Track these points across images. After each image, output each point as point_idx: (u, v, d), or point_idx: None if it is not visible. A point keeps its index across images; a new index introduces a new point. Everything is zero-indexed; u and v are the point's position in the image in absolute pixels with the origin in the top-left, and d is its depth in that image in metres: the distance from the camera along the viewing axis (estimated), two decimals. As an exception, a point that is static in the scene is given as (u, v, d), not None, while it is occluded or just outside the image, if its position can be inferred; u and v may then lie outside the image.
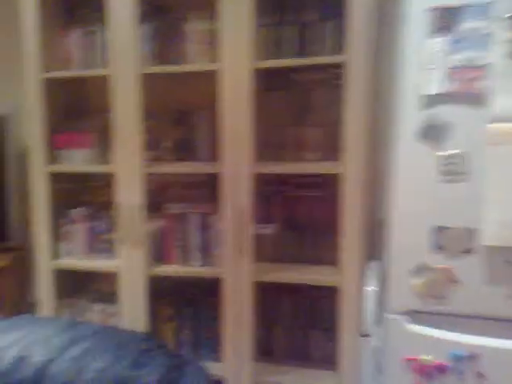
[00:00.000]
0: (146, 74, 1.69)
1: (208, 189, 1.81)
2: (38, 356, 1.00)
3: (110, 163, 1.80)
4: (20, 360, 1.01)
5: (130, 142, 1.71)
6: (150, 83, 1.74)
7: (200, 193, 1.82)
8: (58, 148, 1.87)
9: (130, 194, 1.73)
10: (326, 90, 1.68)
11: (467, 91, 1.31)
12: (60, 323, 1.14)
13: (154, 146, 1.84)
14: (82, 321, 1.15)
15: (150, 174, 1.77)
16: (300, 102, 1.71)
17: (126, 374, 1.00)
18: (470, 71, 1.29)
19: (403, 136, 1.39)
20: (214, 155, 1.78)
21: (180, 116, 1.82)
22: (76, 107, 2.02)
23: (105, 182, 1.95)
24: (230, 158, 1.61)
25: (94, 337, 1.07)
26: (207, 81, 1.69)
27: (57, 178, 1.90)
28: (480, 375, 1.38)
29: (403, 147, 1.40)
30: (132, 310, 1.78)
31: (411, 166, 1.40)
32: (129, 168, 1.72)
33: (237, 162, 1.60)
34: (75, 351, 1.02)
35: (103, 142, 1.85)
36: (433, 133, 1.36)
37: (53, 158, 1.87)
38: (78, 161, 1.86)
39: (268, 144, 1.75)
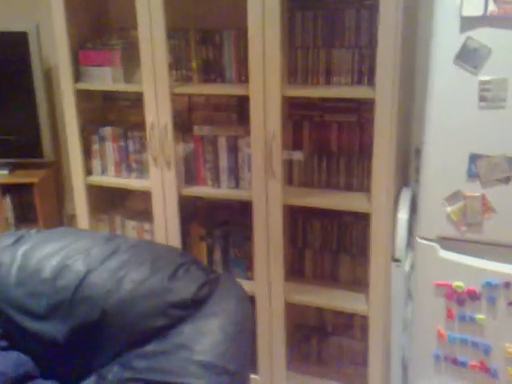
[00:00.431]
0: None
1: (237, 111, 1.89)
2: (79, 265, 1.17)
3: (138, 82, 1.90)
4: (62, 268, 1.18)
5: (155, 60, 1.78)
6: (175, 1, 1.78)
7: (229, 115, 1.90)
8: (85, 65, 1.97)
9: (158, 115, 1.83)
10: (358, 9, 1.68)
11: (508, 14, 1.31)
12: (98, 236, 1.31)
13: (180, 65, 1.91)
14: (119, 235, 1.30)
15: (178, 95, 1.87)
16: (331, 22, 1.72)
17: (163, 285, 1.16)
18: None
19: (441, 59, 1.42)
20: (242, 77, 1.84)
21: (206, 35, 1.87)
22: (99, 24, 2.09)
23: (133, 102, 2.05)
24: (258, 80, 1.67)
25: (131, 250, 1.24)
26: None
27: (85, 96, 2.02)
28: (511, 303, 1.50)
29: (440, 72, 1.43)
30: (165, 229, 1.95)
31: (449, 91, 1.44)
32: (156, 88, 1.81)
33: (265, 85, 1.66)
34: (114, 262, 1.19)
35: (129, 60, 1.94)
36: (472, 57, 1.38)
37: (80, 76, 1.98)
38: (105, 79, 1.96)
39: (297, 67, 1.79)
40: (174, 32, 1.84)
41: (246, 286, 1.54)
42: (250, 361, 1.45)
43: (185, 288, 1.19)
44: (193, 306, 1.17)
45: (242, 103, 1.82)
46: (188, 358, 1.12)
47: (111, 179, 2.06)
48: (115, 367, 1.11)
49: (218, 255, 2.02)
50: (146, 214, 2.06)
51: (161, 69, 1.79)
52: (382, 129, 1.59)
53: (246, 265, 1.97)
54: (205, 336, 1.15)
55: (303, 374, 2.01)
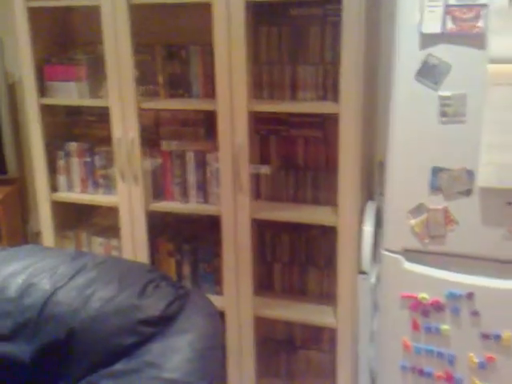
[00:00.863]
0: (136, 5, 1.74)
1: (205, 126, 1.90)
2: (45, 283, 1.15)
3: (104, 97, 1.90)
4: (28, 287, 1.16)
5: (122, 75, 1.79)
6: (141, 15, 1.79)
7: (197, 130, 1.92)
8: (50, 80, 1.95)
9: (125, 129, 1.83)
10: (322, 26, 1.72)
11: (466, 31, 1.37)
12: (65, 253, 1.29)
13: (146, 80, 1.92)
14: (86, 252, 1.29)
15: (145, 110, 1.86)
16: (296, 39, 1.76)
17: (132, 302, 1.15)
18: (469, 11, 1.35)
19: (402, 76, 1.47)
20: (209, 92, 1.86)
21: (172, 51, 1.88)
22: (65, 38, 2.08)
23: (99, 116, 2.04)
24: (225, 95, 1.69)
25: (98, 267, 1.22)
26: (200, 14, 1.73)
27: (49, 111, 2.00)
28: (475, 313, 1.53)
29: (402, 87, 1.48)
30: (133, 245, 1.94)
31: (410, 107, 1.48)
32: (122, 102, 1.81)
33: (232, 100, 1.68)
34: (81, 280, 1.18)
35: (95, 74, 1.93)
36: (432, 73, 1.43)
37: (45, 90, 1.96)
38: (71, 94, 1.95)
39: (263, 82, 1.82)
40: (140, 47, 1.84)
41: (216, 301, 1.54)
42: (220, 377, 1.45)
43: (154, 305, 1.18)
44: (162, 323, 1.16)
45: (210, 118, 1.83)
46: (157, 376, 1.11)
47: (77, 195, 2.04)
48: (83, 387, 1.09)
49: (187, 270, 2.01)
50: (113, 230, 2.04)
51: (127, 84, 1.79)
52: (347, 143, 1.62)
53: (215, 280, 1.97)
54: (174, 353, 1.14)
55: (273, 388, 2.01)
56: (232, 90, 1.68)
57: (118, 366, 1.12)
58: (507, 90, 1.36)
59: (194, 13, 1.86)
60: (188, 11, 1.88)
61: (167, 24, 1.94)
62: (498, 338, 1.51)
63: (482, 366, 1.55)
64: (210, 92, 1.84)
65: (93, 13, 1.79)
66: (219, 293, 1.94)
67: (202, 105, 1.85)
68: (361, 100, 1.59)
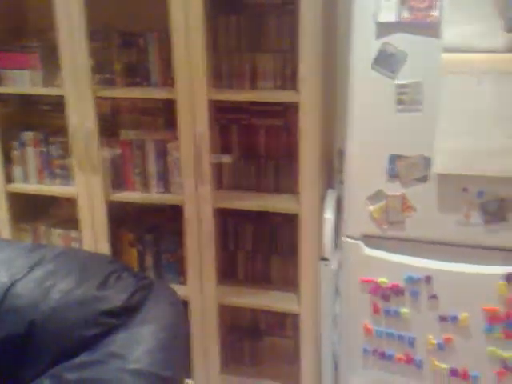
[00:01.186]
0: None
1: (164, 115, 1.90)
2: (2, 276, 1.14)
3: (58, 86, 1.86)
4: (-15, 281, 1.15)
5: (77, 63, 1.76)
6: (96, 1, 1.75)
7: (156, 119, 1.91)
8: (2, 68, 1.91)
9: (81, 119, 1.81)
10: (280, 15, 1.74)
11: (421, 20, 1.40)
12: (22, 246, 1.27)
13: (102, 68, 1.88)
14: (44, 244, 1.27)
15: (102, 98, 1.84)
16: (254, 27, 1.77)
17: (93, 294, 1.15)
18: (423, 0, 1.39)
19: (359, 65, 1.49)
20: (167, 80, 1.84)
21: (129, 38, 1.86)
22: (17, 26, 2.02)
23: (54, 105, 2.00)
24: (184, 83, 1.68)
25: (57, 259, 1.21)
26: (157, 0, 1.70)
27: (3, 100, 1.97)
28: (433, 296, 1.58)
29: (359, 76, 1.50)
30: (93, 236, 1.92)
31: (368, 95, 1.51)
32: (78, 91, 1.78)
33: (192, 88, 1.68)
34: (40, 272, 1.17)
35: (49, 62, 1.89)
36: (388, 62, 1.46)
37: (-3, 78, 1.91)
38: (24, 82, 1.91)
39: (223, 71, 1.82)
40: (95, 34, 1.81)
41: (179, 290, 1.55)
42: (184, 366, 1.46)
43: (116, 296, 1.18)
44: (125, 314, 1.17)
45: (169, 107, 1.82)
46: (121, 367, 1.11)
47: (34, 186, 2.00)
48: (46, 381, 1.09)
49: (149, 261, 2.00)
50: (72, 222, 2.01)
51: (82, 72, 1.76)
52: (307, 131, 1.65)
53: (179, 269, 1.97)
54: (138, 344, 1.15)
55: (238, 376, 2.03)
56: (191, 79, 1.67)
57: (82, 358, 1.12)
58: (461, 79, 1.41)
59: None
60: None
61: (123, 11, 1.91)
62: (455, 319, 1.57)
63: (440, 347, 1.61)
64: (169, 80, 1.83)
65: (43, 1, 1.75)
66: (183, 282, 1.95)
67: (161, 93, 1.83)
68: (320, 89, 1.61)
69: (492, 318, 1.54)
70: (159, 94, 1.84)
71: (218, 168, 1.90)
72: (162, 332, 1.21)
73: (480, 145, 1.43)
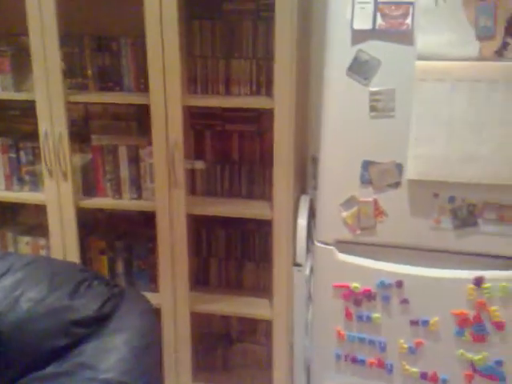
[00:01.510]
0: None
1: (137, 120, 1.86)
2: (-32, 287, 1.08)
3: (29, 90, 1.79)
4: (-51, 291, 1.08)
5: (48, 68, 1.70)
6: (68, 5, 1.71)
7: (129, 124, 1.86)
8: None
9: (52, 124, 1.74)
10: (255, 21, 1.72)
11: (395, 28, 1.40)
12: (-11, 254, 1.21)
13: (75, 73, 1.84)
14: (11, 252, 1.21)
15: (73, 103, 1.78)
16: (228, 33, 1.75)
17: (64, 303, 1.10)
18: (397, 8, 1.38)
19: (334, 71, 1.48)
20: (141, 85, 1.81)
21: (102, 42, 1.81)
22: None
23: (24, 110, 1.94)
24: (158, 89, 1.64)
25: (26, 267, 1.16)
26: (131, 4, 1.67)
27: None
28: (404, 301, 1.57)
29: (334, 82, 1.49)
30: (63, 244, 1.85)
31: (342, 102, 1.50)
32: (49, 96, 1.72)
33: (166, 94, 1.64)
34: (8, 282, 1.11)
35: (20, 67, 1.83)
36: (363, 69, 1.45)
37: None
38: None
39: (197, 77, 1.79)
40: (67, 38, 1.76)
41: (151, 298, 1.51)
42: (156, 375, 1.41)
43: (87, 305, 1.13)
44: (96, 323, 1.12)
45: (142, 112, 1.78)
46: (92, 377, 1.06)
47: (1, 193, 1.91)
48: (13, 393, 1.03)
49: (120, 268, 1.94)
50: (40, 229, 1.94)
51: (54, 76, 1.70)
52: (281, 138, 1.63)
53: (150, 277, 1.92)
54: (110, 353, 1.10)
55: (209, 383, 1.99)
56: (166, 84, 1.64)
57: (51, 369, 1.07)
58: (434, 86, 1.41)
59: (124, 3, 1.80)
60: (118, 2, 1.82)
61: (96, 15, 1.86)
62: (425, 323, 1.57)
63: (411, 351, 1.60)
64: (143, 85, 1.79)
65: (17, 2, 1.69)
66: (154, 290, 1.89)
67: (135, 98, 1.79)
68: (295, 95, 1.60)
69: (461, 322, 1.54)
70: (133, 99, 1.79)
71: (192, 174, 1.87)
72: (135, 340, 1.17)
73: (452, 151, 1.44)
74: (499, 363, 1.54)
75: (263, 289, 1.91)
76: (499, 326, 1.51)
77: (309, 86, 1.91)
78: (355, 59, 1.45)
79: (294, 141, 1.63)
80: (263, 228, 1.85)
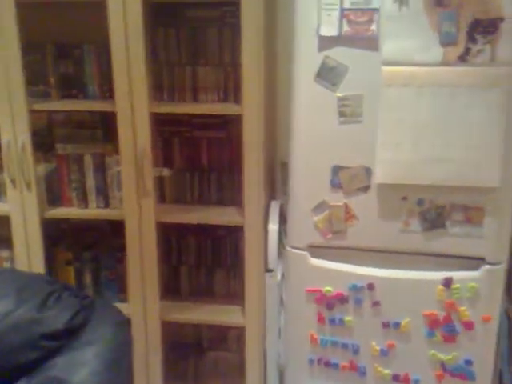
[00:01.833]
0: (23, 3, 1.63)
1: (102, 128, 1.84)
2: None
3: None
4: None
5: (9, 76, 1.67)
6: (29, 13, 1.68)
7: (94, 132, 1.84)
8: None
9: (14, 133, 1.71)
10: (220, 28, 1.73)
11: (361, 34, 1.44)
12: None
13: (37, 81, 1.80)
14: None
15: (36, 112, 1.76)
16: (195, 40, 1.75)
17: (32, 316, 1.08)
18: (363, 14, 1.42)
19: (302, 77, 1.51)
20: (105, 93, 1.79)
21: (65, 49, 1.79)
22: None
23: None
24: (124, 96, 1.64)
25: (-8, 281, 1.13)
26: (94, 11, 1.66)
27: None
28: (376, 303, 1.61)
29: (302, 89, 1.52)
30: (27, 255, 1.81)
31: (310, 108, 1.53)
32: (11, 104, 1.69)
33: (132, 101, 1.64)
34: (-26, 296, 1.08)
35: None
36: (330, 75, 1.48)
37: None
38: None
39: (164, 84, 1.79)
40: (29, 46, 1.73)
41: (121, 308, 1.49)
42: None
43: (57, 317, 1.11)
44: (67, 336, 1.10)
45: (107, 120, 1.77)
46: (64, 391, 1.04)
47: (-39, 205, 1.87)
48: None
49: (88, 279, 1.92)
50: (4, 241, 1.90)
51: (16, 84, 1.67)
52: (251, 143, 1.64)
53: (119, 287, 1.90)
54: (81, 366, 1.09)
55: (182, 393, 1.98)
56: (132, 91, 1.63)
57: (21, 384, 1.05)
58: (399, 91, 1.45)
59: (87, 10, 1.77)
60: (81, 9, 1.79)
61: (58, 22, 1.84)
62: (397, 325, 1.60)
63: (383, 353, 1.64)
64: (108, 93, 1.78)
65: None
66: (123, 300, 1.88)
67: (100, 106, 1.77)
68: (263, 101, 1.61)
69: (431, 323, 1.58)
70: (98, 106, 1.78)
71: (161, 181, 1.86)
72: (107, 353, 1.16)
73: (418, 155, 1.48)
74: (469, 362, 1.59)
75: (235, 296, 1.91)
76: (468, 326, 1.56)
77: (277, 91, 1.93)
78: (323, 65, 1.47)
79: (263, 146, 1.65)
80: (234, 234, 1.85)
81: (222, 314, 1.87)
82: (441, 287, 1.55)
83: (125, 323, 1.29)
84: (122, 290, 1.90)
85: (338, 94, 1.49)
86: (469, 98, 1.42)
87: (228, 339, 2.05)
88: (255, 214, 1.70)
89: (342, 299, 1.63)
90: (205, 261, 1.94)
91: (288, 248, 1.67)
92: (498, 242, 1.53)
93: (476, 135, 1.44)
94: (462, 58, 1.41)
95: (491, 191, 1.47)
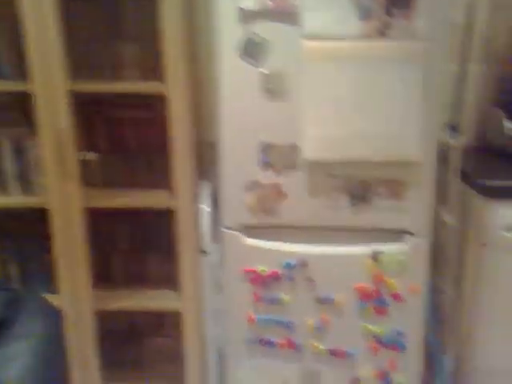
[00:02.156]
0: None
1: (17, 110, 1.83)
2: None
3: None
4: None
5: None
6: None
7: (9, 114, 1.84)
8: None
9: None
10: (139, 1, 1.75)
11: (282, 8, 1.51)
12: None
13: None
14: None
15: None
16: (111, 14, 1.77)
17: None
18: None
19: (225, 53, 1.57)
20: (19, 72, 1.77)
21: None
22: None
23: None
24: (40, 75, 1.65)
25: None
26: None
27: None
28: (309, 279, 1.73)
29: (226, 65, 1.59)
30: None
31: (236, 85, 1.60)
32: None
33: (49, 80, 1.66)
34: None
35: None
36: (253, 50, 1.55)
37: None
38: None
39: (82, 61, 1.79)
40: None
41: (51, 300, 1.53)
42: (63, 379, 1.46)
43: (-18, 312, 1.16)
44: (-7, 330, 1.16)
45: (24, 101, 1.76)
46: (-7, 386, 1.10)
47: None
48: None
49: (13, 271, 1.94)
50: None
51: None
52: (177, 123, 1.69)
53: (48, 278, 1.92)
54: (13, 361, 1.14)
55: (120, 382, 2.05)
56: (48, 70, 1.64)
57: None
58: (322, 66, 1.54)
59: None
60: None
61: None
62: (330, 300, 1.73)
63: (318, 329, 1.76)
64: (21, 72, 1.76)
65: None
66: (53, 291, 1.90)
67: (15, 86, 1.76)
68: (187, 79, 1.66)
69: (363, 296, 1.72)
70: (13, 86, 1.77)
71: (86, 165, 1.87)
72: (39, 346, 1.20)
73: (343, 131, 1.58)
74: (400, 334, 1.74)
75: (170, 280, 1.96)
76: (397, 298, 1.71)
77: (201, 69, 1.98)
78: (246, 41, 1.54)
79: (190, 126, 1.70)
80: (166, 218, 1.89)
81: (158, 299, 1.93)
82: (370, 261, 1.68)
83: (56, 315, 1.34)
84: (51, 281, 1.90)
85: (263, 70, 1.57)
86: (388, 72, 1.53)
87: (166, 325, 2.11)
88: (186, 195, 1.76)
89: (276, 278, 1.74)
90: (137, 246, 1.99)
91: (222, 229, 1.76)
92: (421, 215, 1.67)
93: (397, 110, 1.55)
94: (381, 32, 1.50)
95: (413, 165, 1.60)
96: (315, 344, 1.78)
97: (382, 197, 1.65)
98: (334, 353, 1.79)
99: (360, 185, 1.64)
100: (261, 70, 1.57)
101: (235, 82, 1.60)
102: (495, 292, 1.84)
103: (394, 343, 1.75)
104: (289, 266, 1.73)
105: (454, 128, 1.88)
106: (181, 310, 1.89)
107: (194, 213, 1.79)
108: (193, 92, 1.74)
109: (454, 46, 1.86)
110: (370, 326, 1.74)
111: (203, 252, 1.82)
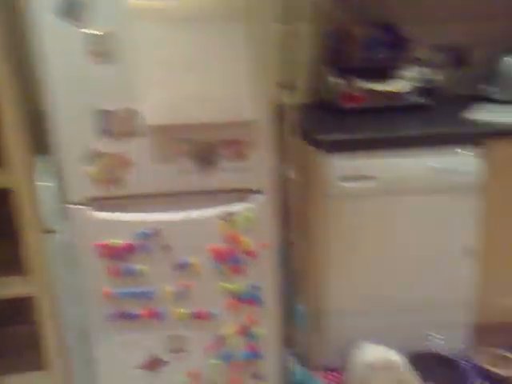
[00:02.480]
0: None
1: None
2: None
3: None
4: None
5: None
6: None
7: None
8: None
9: None
10: None
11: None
12: None
13: None
14: None
15: None
16: None
17: None
18: None
19: (42, 14, 1.42)
20: None
21: None
22: None
23: None
24: None
25: None
26: None
27: None
28: (165, 247, 1.67)
29: (45, 27, 1.44)
30: None
31: (59, 48, 1.46)
32: None
33: None
34: None
35: None
36: (74, 10, 1.43)
37: None
38: None
39: None
40: None
41: None
42: None
43: None
44: None
45: None
46: None
47: None
48: None
49: None
50: None
51: None
52: (3, 94, 1.51)
53: None
54: None
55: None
56: None
57: None
58: (150, 26, 1.45)
59: None
60: None
61: None
62: (188, 265, 1.70)
63: (179, 294, 1.72)
64: None
65: None
66: None
67: None
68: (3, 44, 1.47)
69: (218, 257, 1.71)
70: None
71: None
72: None
73: (180, 94, 1.52)
74: (256, 288, 1.75)
75: (16, 264, 1.81)
76: (251, 255, 1.71)
77: (22, 33, 1.77)
78: (64, 0, 1.40)
79: (15, 96, 1.53)
80: (3, 198, 1.73)
81: (5, 286, 1.77)
82: (221, 222, 1.66)
83: None
84: None
85: (87, 32, 1.45)
86: (214, 32, 1.47)
87: (23, 311, 1.96)
88: (23, 173, 1.61)
89: (131, 249, 1.67)
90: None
91: (67, 205, 1.64)
92: (265, 173, 1.66)
93: (226, 71, 1.51)
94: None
95: (250, 125, 1.59)
96: (177, 310, 1.75)
97: (227, 158, 1.63)
98: (197, 316, 1.77)
99: (204, 148, 1.60)
100: (87, 31, 1.43)
101: (58, 46, 1.46)
102: (340, 239, 1.92)
103: (251, 298, 1.76)
104: (143, 236, 1.66)
105: (288, 86, 1.86)
106: (33, 294, 1.74)
107: (33, 190, 1.64)
108: (13, 57, 1.55)
109: (280, 5, 1.82)
110: (228, 285, 1.74)
111: (50, 231, 1.65)
